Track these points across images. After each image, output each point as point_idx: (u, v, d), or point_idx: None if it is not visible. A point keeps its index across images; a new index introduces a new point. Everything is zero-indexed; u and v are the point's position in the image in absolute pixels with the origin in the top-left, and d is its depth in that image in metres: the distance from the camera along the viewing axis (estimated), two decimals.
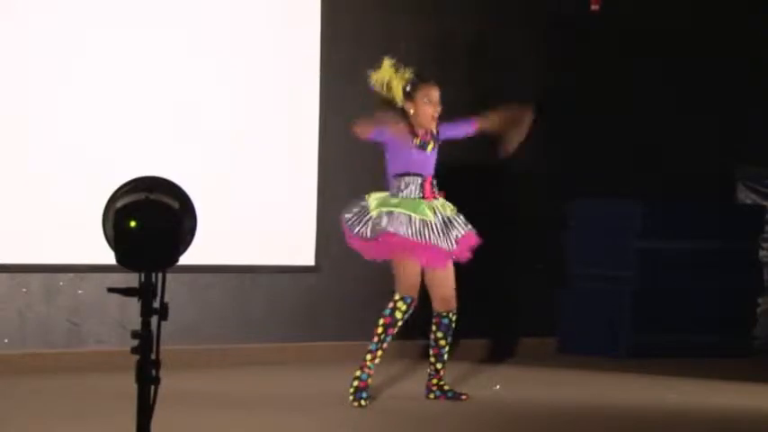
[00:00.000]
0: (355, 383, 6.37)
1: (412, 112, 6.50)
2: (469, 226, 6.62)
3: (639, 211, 9.13)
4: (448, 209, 6.59)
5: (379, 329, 6.44)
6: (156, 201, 3.35)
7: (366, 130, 6.46)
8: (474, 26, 9.13)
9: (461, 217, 6.64)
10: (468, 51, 9.10)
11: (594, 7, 8.97)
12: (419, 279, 6.52)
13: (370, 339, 6.45)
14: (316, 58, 8.34)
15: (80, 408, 6.19)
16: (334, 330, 8.40)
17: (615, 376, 8.03)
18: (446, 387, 6.69)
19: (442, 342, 6.63)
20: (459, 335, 8.85)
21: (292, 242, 8.19)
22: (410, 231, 6.39)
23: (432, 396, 6.67)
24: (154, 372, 3.34)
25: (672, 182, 9.69)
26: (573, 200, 9.25)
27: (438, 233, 6.45)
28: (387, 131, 6.40)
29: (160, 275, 3.35)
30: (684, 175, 9.72)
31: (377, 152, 8.76)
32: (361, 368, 6.40)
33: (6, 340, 7.43)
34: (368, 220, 6.47)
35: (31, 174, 7.39)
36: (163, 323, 3.34)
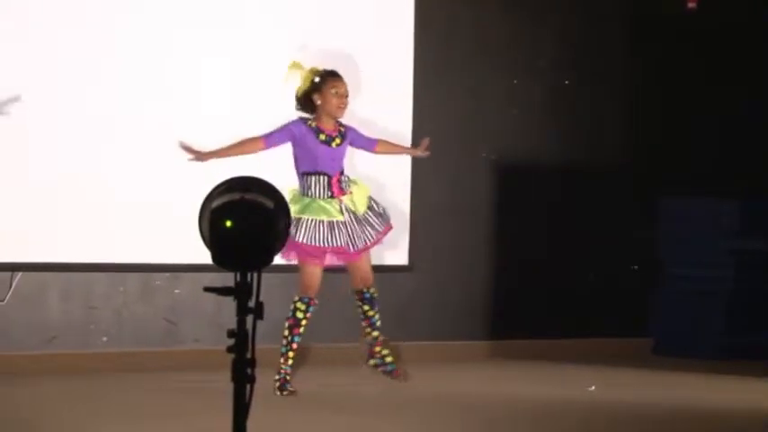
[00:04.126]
0: (277, 384, 6.61)
1: (319, 102, 6.74)
2: (383, 216, 6.86)
3: (735, 211, 9.02)
4: (359, 204, 6.78)
5: (285, 331, 6.69)
6: (251, 200, 3.37)
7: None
8: (563, 23, 9.07)
9: (376, 206, 6.85)
10: (557, 48, 9.05)
11: (691, 5, 8.87)
12: (318, 280, 6.72)
13: (281, 343, 6.68)
14: (409, 59, 8.36)
15: (176, 406, 6.25)
16: (426, 330, 8.40)
17: (709, 378, 7.93)
18: (388, 359, 6.93)
19: (371, 313, 6.90)
20: (556, 335, 8.87)
21: (386, 241, 8.18)
22: (318, 238, 6.62)
23: (372, 362, 6.92)
24: (250, 370, 3.36)
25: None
26: (670, 199, 9.16)
27: (348, 233, 6.69)
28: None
29: (255, 275, 3.37)
30: None
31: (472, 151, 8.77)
32: (278, 371, 6.65)
33: (105, 338, 7.53)
34: None
35: (128, 176, 7.48)
36: (258, 322, 3.36)
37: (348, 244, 6.68)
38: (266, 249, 3.36)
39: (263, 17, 7.89)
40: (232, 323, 3.38)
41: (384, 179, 8.22)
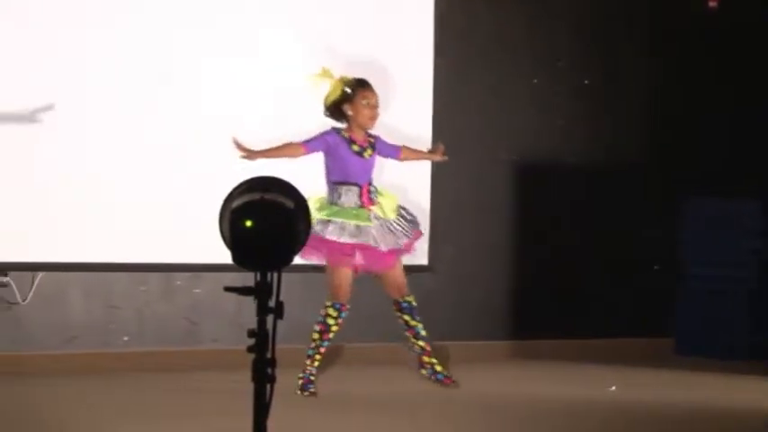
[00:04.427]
0: (300, 383, 6.61)
1: (350, 113, 6.75)
2: (413, 223, 6.87)
3: (758, 210, 8.99)
4: (388, 211, 6.78)
5: (315, 335, 6.67)
6: (271, 200, 3.38)
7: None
8: (580, 23, 9.05)
9: (406, 214, 6.86)
10: (574, 48, 9.03)
11: (712, 4, 8.84)
12: (348, 283, 6.70)
13: (308, 345, 6.67)
14: (429, 60, 8.35)
15: (196, 406, 6.26)
16: (447, 330, 8.38)
17: (731, 378, 7.91)
18: (438, 367, 6.90)
19: (412, 322, 6.85)
20: (577, 335, 8.84)
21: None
22: (346, 235, 6.61)
23: (423, 372, 6.90)
24: (270, 370, 3.36)
25: None
26: (690, 199, 9.13)
27: (376, 235, 6.68)
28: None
29: (275, 274, 3.37)
30: None
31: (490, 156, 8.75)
32: (303, 371, 6.64)
33: (126, 338, 7.55)
34: None
35: (148, 175, 7.49)
36: (278, 322, 3.36)
37: (377, 242, 6.69)
38: (286, 249, 3.37)
39: (266, 17, 7.85)
40: (252, 323, 3.38)
41: (404, 179, 8.20)
